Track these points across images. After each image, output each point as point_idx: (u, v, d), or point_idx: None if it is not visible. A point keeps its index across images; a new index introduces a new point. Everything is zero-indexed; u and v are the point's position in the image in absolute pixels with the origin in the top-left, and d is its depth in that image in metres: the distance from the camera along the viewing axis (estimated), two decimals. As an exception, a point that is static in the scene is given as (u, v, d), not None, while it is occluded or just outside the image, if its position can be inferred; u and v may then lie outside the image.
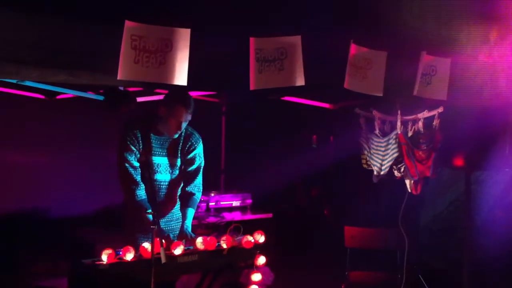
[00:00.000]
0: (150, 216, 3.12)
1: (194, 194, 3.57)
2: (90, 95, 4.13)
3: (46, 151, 4.87)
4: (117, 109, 3.85)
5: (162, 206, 3.52)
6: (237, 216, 4.94)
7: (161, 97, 4.19)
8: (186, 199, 3.55)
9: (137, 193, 3.39)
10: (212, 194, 5.03)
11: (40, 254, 4.60)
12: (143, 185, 3.41)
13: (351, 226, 4.71)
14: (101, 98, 4.02)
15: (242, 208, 5.09)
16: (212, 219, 4.77)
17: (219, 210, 4.96)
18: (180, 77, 2.56)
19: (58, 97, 4.61)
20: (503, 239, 5.30)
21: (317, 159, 6.22)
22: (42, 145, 4.84)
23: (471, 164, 4.31)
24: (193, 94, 4.18)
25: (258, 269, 3.48)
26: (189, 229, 3.48)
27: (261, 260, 3.46)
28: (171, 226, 3.58)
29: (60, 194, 4.82)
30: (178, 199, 3.62)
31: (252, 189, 5.26)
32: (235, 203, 5.07)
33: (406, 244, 4.12)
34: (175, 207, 3.61)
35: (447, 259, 5.18)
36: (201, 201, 4.87)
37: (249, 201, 5.16)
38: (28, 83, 3.33)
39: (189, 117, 3.39)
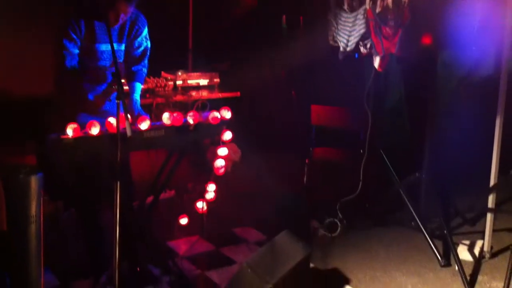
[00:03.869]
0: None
1: (140, 70, 3.55)
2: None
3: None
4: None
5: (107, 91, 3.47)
6: (204, 94, 4.94)
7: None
8: (132, 75, 3.52)
9: (78, 76, 3.32)
10: (180, 73, 4.97)
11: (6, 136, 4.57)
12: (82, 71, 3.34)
13: (317, 105, 4.78)
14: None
15: (209, 87, 5.07)
16: (179, 98, 4.76)
17: (186, 88, 4.93)
18: None
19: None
20: (464, 117, 5.48)
21: (286, 39, 6.15)
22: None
23: (439, 43, 4.31)
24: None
25: (224, 144, 3.55)
26: (138, 104, 3.47)
27: (228, 135, 3.52)
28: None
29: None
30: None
31: (219, 69, 5.21)
32: (203, 82, 5.03)
33: (369, 122, 4.21)
34: None
35: (411, 139, 5.35)
36: (168, 80, 4.83)
37: (217, 80, 5.12)
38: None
39: (130, 9, 3.26)
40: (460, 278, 3.66)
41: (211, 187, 3.80)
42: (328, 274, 3.79)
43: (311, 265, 3.66)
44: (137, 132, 3.08)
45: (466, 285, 3.59)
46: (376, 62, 3.96)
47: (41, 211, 2.67)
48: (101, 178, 3.01)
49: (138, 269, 3.47)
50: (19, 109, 4.39)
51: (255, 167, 5.03)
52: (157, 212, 3.71)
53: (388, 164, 4.30)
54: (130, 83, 3.51)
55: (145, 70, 3.59)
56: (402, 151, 4.91)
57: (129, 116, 2.82)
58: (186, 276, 3.61)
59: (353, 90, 4.72)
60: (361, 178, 4.16)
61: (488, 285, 3.65)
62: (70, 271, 3.62)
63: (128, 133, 2.77)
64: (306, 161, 4.59)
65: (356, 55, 4.08)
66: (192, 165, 4.54)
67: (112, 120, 3.01)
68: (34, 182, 2.63)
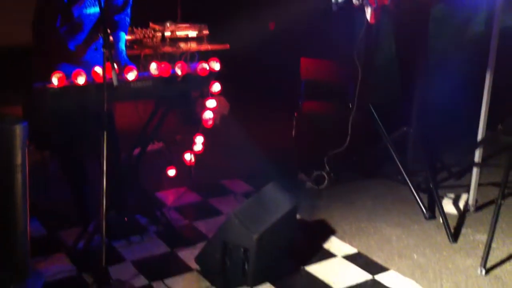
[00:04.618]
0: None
1: (124, 19, 3.47)
2: None
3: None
4: None
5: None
6: (193, 46, 4.88)
7: None
8: (115, 24, 3.44)
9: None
10: (168, 24, 4.89)
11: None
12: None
13: (307, 58, 4.74)
14: None
15: (198, 39, 5.00)
16: (167, 49, 4.70)
17: (175, 40, 4.87)
18: None
19: None
20: (454, 72, 5.47)
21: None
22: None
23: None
24: None
25: (213, 96, 3.52)
26: (124, 54, 3.41)
27: (216, 87, 3.48)
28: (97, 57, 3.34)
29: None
30: None
31: (209, 21, 5.12)
32: (192, 34, 4.96)
33: (359, 76, 4.18)
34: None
35: (400, 93, 5.34)
36: (156, 31, 4.76)
37: (206, 32, 5.05)
38: None
39: None
40: (444, 230, 3.72)
41: (199, 139, 3.79)
42: (315, 225, 3.84)
43: (298, 216, 3.70)
44: (124, 82, 3.05)
45: (450, 237, 3.65)
46: (368, 13, 3.90)
47: (27, 160, 2.66)
48: (87, 127, 2.99)
49: (125, 218, 3.49)
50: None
51: (244, 120, 5.02)
52: (145, 163, 3.70)
53: (377, 118, 4.30)
54: (114, 33, 3.43)
55: (128, 19, 3.50)
56: (391, 106, 4.91)
57: (115, 65, 2.78)
58: (173, 226, 3.64)
59: (343, 44, 4.68)
60: (349, 131, 4.16)
61: (471, 237, 3.72)
62: (57, 220, 3.65)
63: (115, 82, 2.73)
64: (295, 114, 4.58)
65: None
66: (180, 117, 4.51)
67: (98, 69, 2.97)
68: (19, 131, 2.61)
